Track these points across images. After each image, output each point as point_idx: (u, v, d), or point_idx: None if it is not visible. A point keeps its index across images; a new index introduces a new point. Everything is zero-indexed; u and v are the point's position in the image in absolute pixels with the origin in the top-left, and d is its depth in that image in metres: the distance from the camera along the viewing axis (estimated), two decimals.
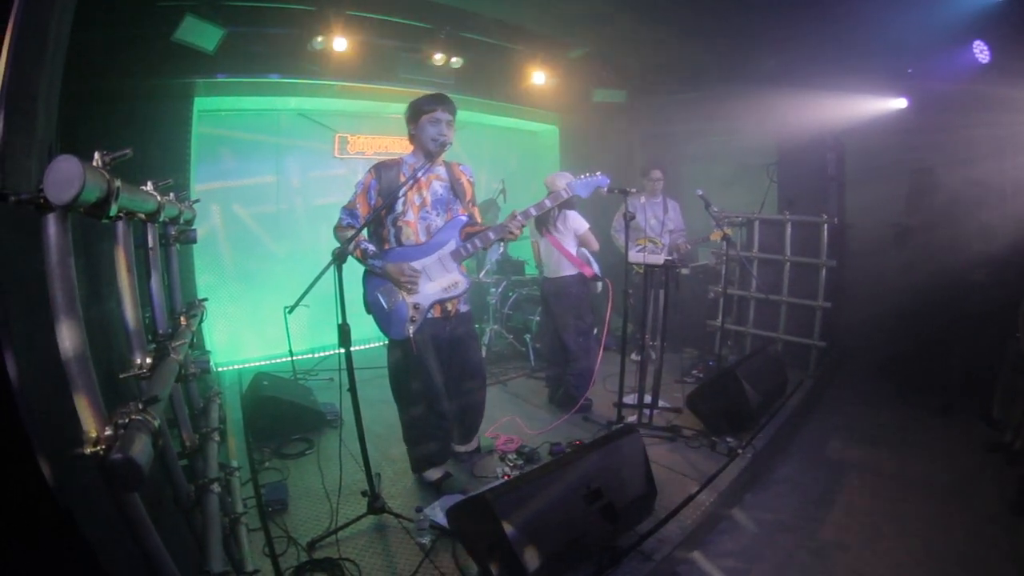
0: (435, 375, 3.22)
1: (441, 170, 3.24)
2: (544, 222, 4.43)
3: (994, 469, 3.90)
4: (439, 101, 3.08)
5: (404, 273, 3.01)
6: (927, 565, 2.95)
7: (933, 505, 3.53)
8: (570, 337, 4.53)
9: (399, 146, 6.45)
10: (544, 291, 4.72)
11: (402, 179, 3.08)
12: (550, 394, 4.85)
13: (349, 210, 3.11)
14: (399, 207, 3.10)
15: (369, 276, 3.11)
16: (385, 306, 3.08)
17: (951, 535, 3.20)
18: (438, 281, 3.11)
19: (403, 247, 3.10)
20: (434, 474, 3.39)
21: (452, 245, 3.13)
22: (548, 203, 3.27)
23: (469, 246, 3.12)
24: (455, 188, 3.25)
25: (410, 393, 3.26)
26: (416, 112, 3.11)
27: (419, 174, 3.05)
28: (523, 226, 3.09)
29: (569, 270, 4.49)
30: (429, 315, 3.12)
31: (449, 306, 3.19)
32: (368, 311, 3.14)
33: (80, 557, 1.52)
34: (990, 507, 3.45)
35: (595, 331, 4.77)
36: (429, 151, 3.05)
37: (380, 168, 3.13)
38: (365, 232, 3.09)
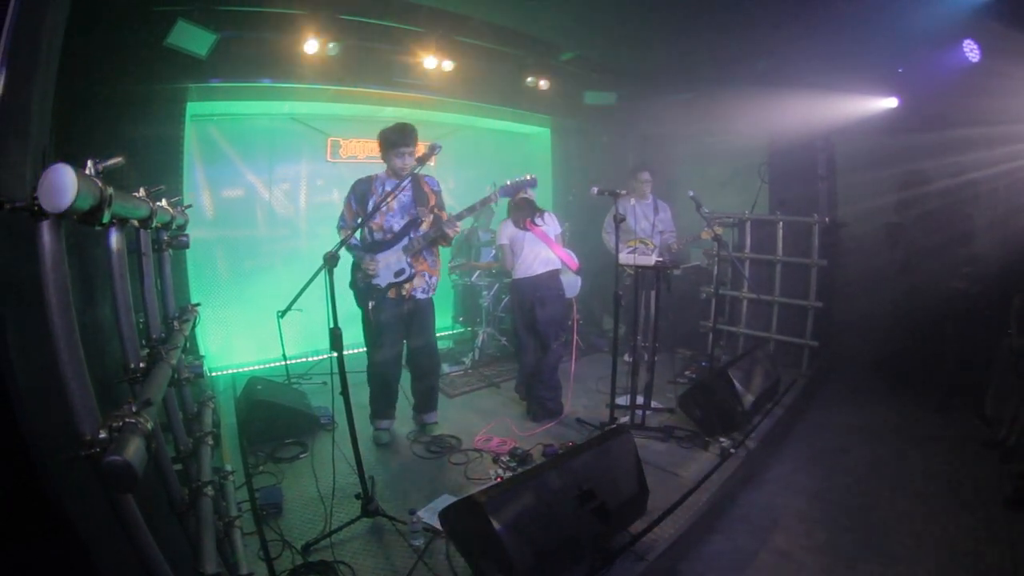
0: (388, 342, 4.00)
1: (407, 182, 3.86)
2: (524, 216, 4.44)
3: (989, 465, 3.94)
4: (403, 138, 3.82)
5: (364, 262, 3.86)
6: (923, 562, 2.98)
7: (928, 502, 3.56)
8: (555, 348, 4.54)
9: None
10: (523, 293, 4.51)
11: (374, 191, 3.93)
12: (527, 406, 4.70)
13: (342, 216, 4.05)
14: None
15: (355, 264, 3.97)
16: (361, 286, 3.95)
17: (947, 531, 3.23)
18: (392, 269, 3.92)
19: (375, 242, 3.95)
20: (383, 424, 4.16)
21: (405, 241, 3.93)
22: (478, 206, 3.94)
23: (414, 242, 3.90)
24: (417, 196, 3.98)
25: (369, 351, 4.06)
26: (387, 144, 3.87)
27: (386, 188, 3.90)
28: (457, 228, 3.86)
29: (553, 266, 4.46)
30: (388, 295, 3.92)
31: (404, 291, 3.95)
32: (351, 287, 3.97)
33: (75, 558, 1.53)
34: (985, 503, 3.49)
35: (563, 339, 4.77)
36: (400, 175, 3.86)
37: (355, 185, 4.03)
38: (357, 233, 3.86)
